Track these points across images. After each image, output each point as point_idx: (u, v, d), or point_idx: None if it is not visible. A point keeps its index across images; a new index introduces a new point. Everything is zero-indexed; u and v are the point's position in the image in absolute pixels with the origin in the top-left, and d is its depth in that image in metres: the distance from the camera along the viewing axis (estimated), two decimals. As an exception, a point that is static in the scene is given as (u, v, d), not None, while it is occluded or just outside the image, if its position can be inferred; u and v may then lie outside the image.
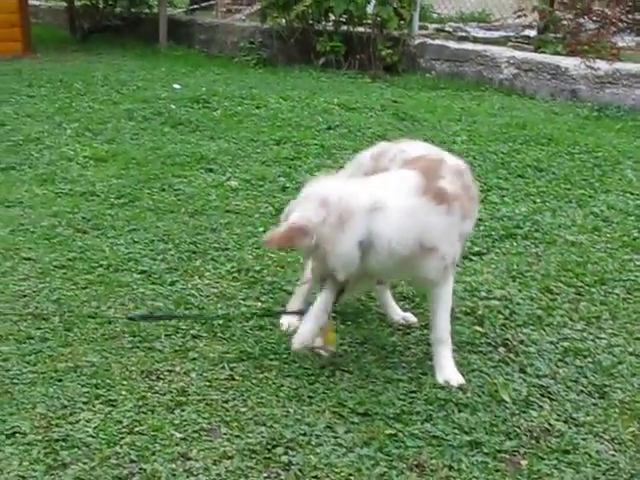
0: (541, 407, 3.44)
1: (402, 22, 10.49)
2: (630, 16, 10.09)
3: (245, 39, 11.75)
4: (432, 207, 3.43)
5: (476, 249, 4.97)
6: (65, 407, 3.38)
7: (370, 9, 10.47)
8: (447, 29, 11.49)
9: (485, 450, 3.17)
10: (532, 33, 10.91)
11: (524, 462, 3.12)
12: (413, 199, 3.42)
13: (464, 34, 10.92)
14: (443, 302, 3.62)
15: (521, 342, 3.95)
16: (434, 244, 3.45)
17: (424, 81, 9.79)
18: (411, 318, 4.14)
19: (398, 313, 4.16)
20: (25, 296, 4.36)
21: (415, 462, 3.10)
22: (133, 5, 13.08)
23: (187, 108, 8.11)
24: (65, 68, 10.57)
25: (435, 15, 13.58)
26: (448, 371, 3.62)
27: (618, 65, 8.93)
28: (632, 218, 5.54)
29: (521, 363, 3.77)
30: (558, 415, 3.39)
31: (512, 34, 11.25)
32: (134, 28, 13.20)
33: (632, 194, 5.98)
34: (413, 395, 3.50)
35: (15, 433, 3.22)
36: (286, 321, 4.00)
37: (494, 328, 4.07)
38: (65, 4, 14.13)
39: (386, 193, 3.43)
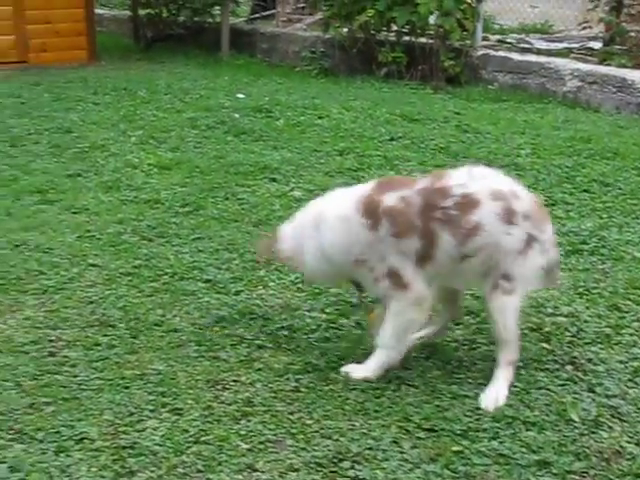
0: (611, 428, 3.38)
1: (465, 33, 10.43)
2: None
3: (307, 49, 11.78)
4: (354, 218, 3.57)
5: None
6: (132, 414, 3.40)
7: (433, 20, 10.43)
8: (509, 40, 11.40)
9: (554, 470, 3.12)
10: (597, 45, 10.77)
11: (594, 484, 3.07)
12: (347, 211, 3.60)
13: (527, 46, 10.81)
14: (392, 315, 3.64)
15: (589, 360, 3.89)
16: (362, 257, 3.57)
17: (486, 93, 9.72)
18: None
19: None
20: (92, 302, 4.41)
21: (482, 480, 3.07)
22: (196, 14, 13.17)
23: (250, 117, 8.14)
24: (129, 76, 10.69)
25: (497, 26, 13.49)
26: (364, 368, 3.68)
27: (686, 78, 8.78)
28: (702, 235, 5.42)
29: (589, 382, 3.71)
30: (629, 437, 3.33)
31: (575, 46, 11.12)
32: (196, 37, 13.30)
33: (701, 211, 5.87)
34: (479, 412, 3.47)
35: (83, 439, 3.26)
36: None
37: (561, 345, 4.02)
38: (129, 13, 14.31)
39: (331, 206, 3.69)
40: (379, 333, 3.69)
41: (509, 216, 3.58)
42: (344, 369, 3.71)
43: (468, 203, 3.55)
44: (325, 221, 3.66)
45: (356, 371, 3.68)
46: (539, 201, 3.93)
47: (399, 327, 3.66)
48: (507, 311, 3.64)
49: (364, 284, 3.75)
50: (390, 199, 3.57)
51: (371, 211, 3.56)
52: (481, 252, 3.59)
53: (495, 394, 3.56)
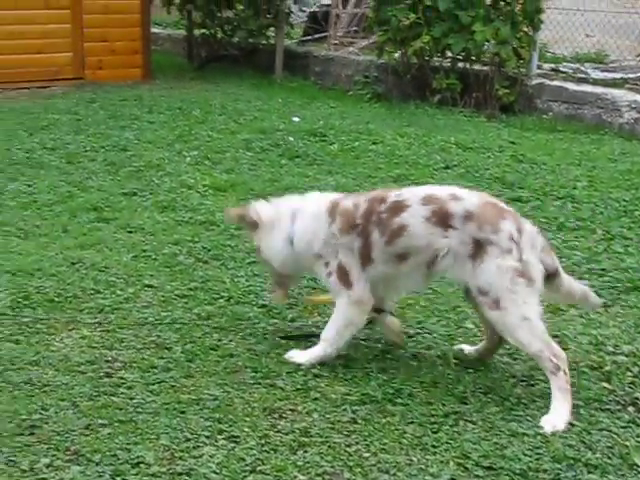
0: (677, 475, 3.30)
1: (520, 61, 10.37)
2: None
3: (360, 73, 11.78)
4: (323, 216, 4.03)
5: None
6: (188, 440, 3.39)
7: (488, 47, 10.39)
8: (564, 69, 11.32)
9: (617, 516, 3.05)
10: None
11: (659, 532, 2.99)
12: (319, 208, 4.07)
13: (583, 75, 10.72)
14: (336, 311, 4.04)
15: (652, 403, 3.81)
16: (321, 251, 4.02)
17: (541, 122, 9.64)
18: None
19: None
20: (147, 324, 4.42)
21: (543, 523, 3.01)
22: (251, 36, 13.24)
23: (304, 141, 8.15)
24: (183, 96, 10.76)
25: (550, 55, 13.42)
26: (301, 358, 4.00)
27: None
28: None
29: (653, 425, 3.64)
30: (696, 484, 3.25)
31: (631, 76, 11.00)
32: (250, 58, 13.36)
33: None
34: (539, 451, 3.40)
35: (139, 463, 3.25)
36: None
37: (622, 386, 3.94)
38: (184, 33, 14.43)
39: (309, 203, 4.15)
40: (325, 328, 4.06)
41: (442, 219, 3.78)
42: (288, 354, 4.05)
43: (396, 207, 3.88)
44: (302, 215, 4.11)
45: (296, 357, 4.02)
46: (494, 202, 3.95)
47: (340, 324, 4.01)
48: (507, 327, 3.73)
49: (320, 278, 4.17)
50: (347, 202, 4.05)
51: (332, 211, 4.03)
52: (413, 253, 3.85)
53: (555, 417, 3.59)
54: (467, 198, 3.83)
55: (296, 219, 4.12)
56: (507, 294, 3.67)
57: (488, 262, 3.69)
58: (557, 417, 3.60)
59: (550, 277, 3.83)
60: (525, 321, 3.68)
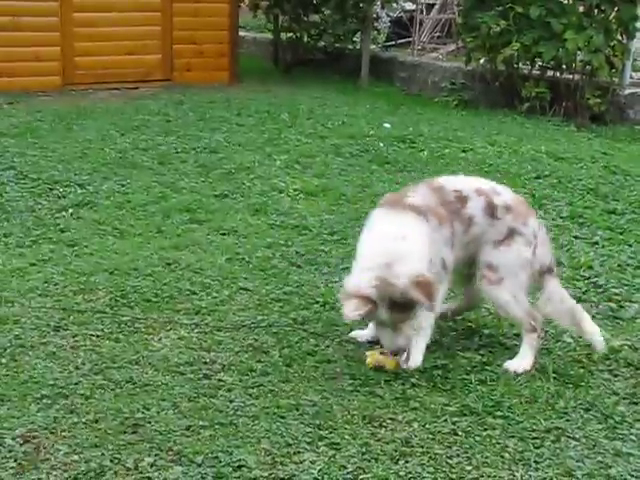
0: None
1: (613, 71, 10.20)
2: None
3: (447, 79, 11.72)
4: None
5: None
6: (289, 445, 3.40)
7: (579, 55, 10.24)
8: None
9: None
10: None
11: None
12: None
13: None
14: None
15: None
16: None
17: (633, 133, 9.47)
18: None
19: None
20: (244, 327, 4.44)
21: None
22: (337, 40, 13.28)
23: (394, 147, 8.13)
24: (270, 99, 10.81)
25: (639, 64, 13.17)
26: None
27: None
28: None
29: None
30: None
31: None
32: (335, 62, 13.40)
33: None
34: (646, 473, 3.33)
35: (241, 466, 3.26)
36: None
37: None
38: (270, 36, 14.52)
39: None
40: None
41: (491, 210, 4.15)
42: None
43: (461, 199, 4.16)
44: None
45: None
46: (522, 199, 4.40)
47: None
48: (500, 301, 4.18)
49: None
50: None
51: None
52: (472, 241, 4.19)
53: (519, 361, 4.08)
54: (503, 192, 4.26)
55: None
56: (512, 277, 4.14)
57: (512, 248, 4.14)
58: (520, 363, 4.06)
59: (545, 273, 4.25)
60: (515, 298, 4.14)
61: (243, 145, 8.22)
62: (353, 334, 4.37)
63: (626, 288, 5.07)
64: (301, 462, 3.29)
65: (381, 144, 8.16)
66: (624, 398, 3.88)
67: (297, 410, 3.64)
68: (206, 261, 5.32)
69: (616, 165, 7.77)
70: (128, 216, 6.22)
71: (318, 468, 3.25)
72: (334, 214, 6.23)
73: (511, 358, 4.12)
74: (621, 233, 6.02)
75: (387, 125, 9.01)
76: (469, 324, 4.53)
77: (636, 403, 3.84)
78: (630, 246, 5.77)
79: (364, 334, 4.35)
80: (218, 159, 7.71)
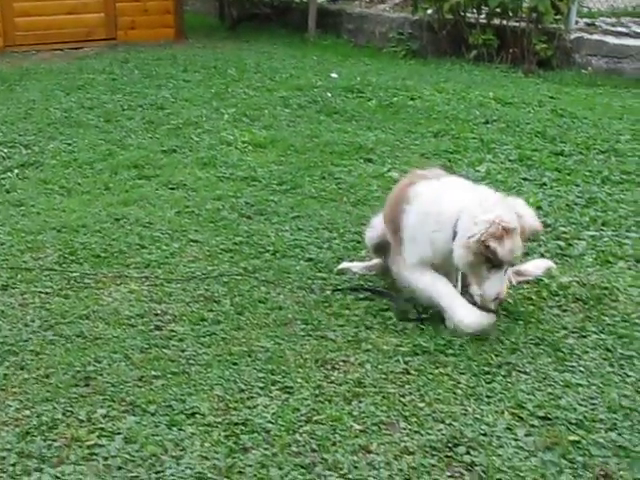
0: None
1: (558, 16, 10.20)
2: None
3: (394, 30, 11.65)
4: None
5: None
6: (242, 391, 3.40)
7: (525, 1, 10.21)
8: (599, 24, 11.13)
9: (678, 465, 3.02)
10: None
11: None
12: None
13: (623, 29, 10.53)
14: None
15: None
16: None
17: (580, 77, 9.50)
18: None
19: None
20: (195, 278, 4.42)
21: (602, 472, 2.99)
22: (284, -6, 13.17)
23: (342, 97, 8.09)
24: (217, 54, 10.70)
25: (585, 9, 13.20)
26: None
27: None
28: None
29: None
30: None
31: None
32: (282, 17, 13.28)
33: None
34: (594, 401, 3.38)
35: (195, 413, 3.26)
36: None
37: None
38: (216, -8, 14.35)
39: None
40: None
41: None
42: None
43: None
44: None
45: None
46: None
47: None
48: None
49: None
50: None
51: None
52: None
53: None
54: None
55: None
56: None
57: None
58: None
59: None
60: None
61: (190, 100, 8.14)
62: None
63: (574, 226, 5.11)
64: (254, 407, 3.29)
65: (329, 94, 8.12)
66: (573, 332, 3.92)
67: (249, 357, 3.64)
68: (155, 215, 5.28)
69: (563, 108, 7.80)
70: (75, 174, 6.14)
71: (272, 412, 3.26)
72: (283, 164, 6.20)
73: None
74: (569, 174, 6.05)
75: (334, 75, 8.96)
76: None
77: (584, 336, 3.88)
78: (577, 186, 5.81)
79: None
80: (165, 115, 7.63)
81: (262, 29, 12.89)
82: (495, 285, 3.82)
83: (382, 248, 4.36)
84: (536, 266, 4.46)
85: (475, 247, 3.72)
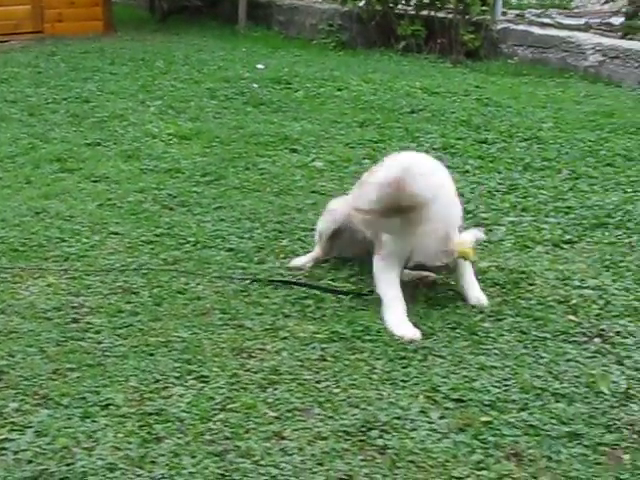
0: (642, 401, 3.34)
1: (485, 7, 10.31)
2: None
3: (324, 21, 11.66)
4: None
5: (567, 237, 4.85)
6: (157, 381, 3.38)
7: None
8: (527, 15, 11.28)
9: (585, 442, 3.07)
10: (618, 21, 10.63)
11: (626, 456, 3.01)
12: None
13: (548, 20, 10.68)
14: None
15: (617, 333, 3.83)
16: None
17: (506, 67, 9.61)
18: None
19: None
20: (114, 270, 4.38)
21: (512, 451, 3.03)
22: (213, -14, 13.09)
23: (269, 89, 8.09)
24: (146, 47, 10.63)
25: (514, 1, 13.36)
26: None
27: None
28: None
29: (618, 355, 3.66)
30: (661, 410, 3.29)
31: (596, 21, 10.98)
32: (212, 9, 13.21)
33: None
34: (507, 383, 3.42)
35: (109, 405, 3.23)
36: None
37: (588, 318, 3.96)
38: (145, -16, 14.22)
39: None
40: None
41: None
42: None
43: None
44: None
45: None
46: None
47: None
48: None
49: None
50: None
51: None
52: None
53: None
54: None
55: None
56: None
57: None
58: None
59: None
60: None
61: (116, 93, 8.07)
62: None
63: (494, 212, 5.18)
64: (169, 397, 3.28)
65: (255, 85, 8.11)
66: (490, 316, 3.97)
67: (166, 347, 3.62)
68: (76, 208, 5.22)
69: (489, 97, 7.88)
70: (-5, 169, 6.05)
71: (186, 401, 3.25)
72: (207, 156, 6.18)
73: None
74: (491, 161, 6.12)
75: (260, 66, 8.96)
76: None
77: (500, 319, 3.93)
78: (499, 173, 5.88)
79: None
80: (90, 108, 7.56)
81: (192, 22, 12.81)
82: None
83: (339, 234, 4.34)
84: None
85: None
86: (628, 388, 3.40)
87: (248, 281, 4.22)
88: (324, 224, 4.41)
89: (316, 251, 4.45)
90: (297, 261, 4.42)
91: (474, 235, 4.32)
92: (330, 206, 4.42)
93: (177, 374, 3.43)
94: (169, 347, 3.62)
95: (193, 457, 2.93)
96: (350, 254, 4.42)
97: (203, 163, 6.01)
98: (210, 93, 7.96)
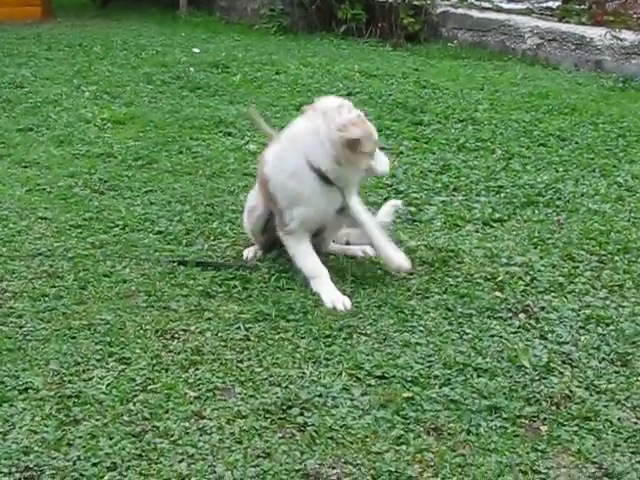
0: (562, 374, 3.37)
1: (425, -9, 10.35)
2: (658, -14, 9.87)
3: (266, 6, 11.59)
4: None
5: (497, 216, 4.89)
6: (78, 364, 3.34)
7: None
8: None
9: (504, 415, 3.11)
10: (555, 4, 10.74)
11: (544, 428, 3.05)
12: None
13: (486, 4, 10.74)
14: None
15: (542, 309, 3.87)
16: None
17: (446, 50, 9.66)
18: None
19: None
20: (40, 254, 4.32)
21: (432, 426, 3.04)
22: (154, -29, 12.94)
23: (206, 73, 8.04)
24: (84, 33, 10.50)
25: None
26: None
27: (644, 36, 8.77)
28: (657, 188, 5.43)
29: (542, 330, 3.70)
30: (579, 382, 3.32)
31: (537, 5, 11.07)
32: (154, -5, 13.09)
33: (657, 164, 5.87)
34: (431, 359, 3.44)
35: (28, 389, 3.19)
36: None
37: (514, 294, 4.00)
38: (85, -31, 14.02)
39: None
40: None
41: None
42: None
43: None
44: None
45: None
46: None
47: None
48: None
49: None
50: None
51: None
52: None
53: None
54: None
55: None
56: None
57: None
58: None
59: None
60: None
61: (51, 79, 7.95)
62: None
63: (426, 192, 5.20)
64: (90, 379, 3.24)
65: (192, 69, 8.05)
66: (417, 294, 3.98)
67: (89, 330, 3.58)
68: (5, 194, 5.14)
69: (426, 80, 7.91)
70: None
71: (107, 383, 3.21)
72: (141, 140, 6.12)
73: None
74: (426, 142, 6.15)
75: (196, 50, 8.91)
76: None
77: (427, 297, 3.95)
78: (433, 154, 5.91)
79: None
80: (23, 93, 7.44)
81: (134, 7, 12.67)
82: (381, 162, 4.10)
83: (270, 228, 4.24)
84: (386, 213, 4.43)
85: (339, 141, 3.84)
86: (549, 361, 3.44)
87: (175, 264, 4.18)
88: (251, 225, 4.32)
89: (256, 247, 4.37)
90: (247, 252, 4.34)
91: (393, 204, 4.41)
92: (249, 204, 4.33)
93: (98, 356, 3.39)
94: (92, 330, 3.58)
95: (110, 438, 2.91)
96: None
97: (136, 147, 5.95)
98: (147, 78, 7.88)
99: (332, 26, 10.51)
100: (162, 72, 8.05)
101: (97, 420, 3.00)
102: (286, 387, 3.21)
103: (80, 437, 2.92)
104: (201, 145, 6.01)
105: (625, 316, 3.84)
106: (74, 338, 3.52)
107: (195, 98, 7.26)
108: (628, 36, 8.77)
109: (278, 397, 3.15)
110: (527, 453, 2.92)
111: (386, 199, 5.04)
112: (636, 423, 3.10)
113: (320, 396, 3.17)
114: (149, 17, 11.93)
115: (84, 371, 3.30)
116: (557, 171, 5.68)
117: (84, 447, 2.87)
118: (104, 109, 6.89)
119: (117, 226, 4.66)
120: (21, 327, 3.62)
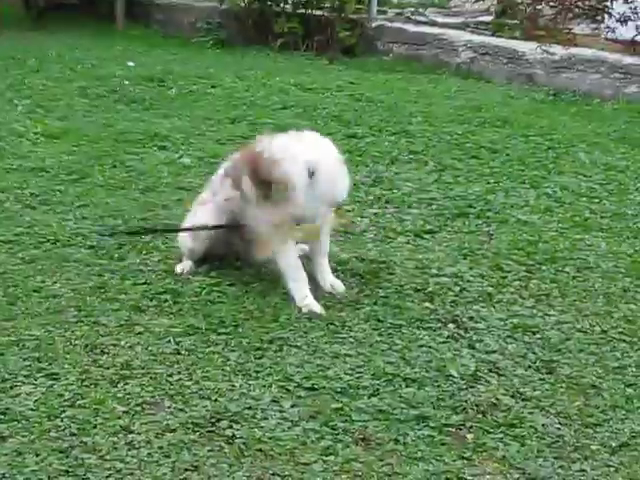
0: (489, 382, 3.44)
1: (360, 5, 10.44)
2: (586, 2, 10.08)
3: (203, 20, 11.59)
4: None
5: (428, 227, 4.96)
6: (6, 380, 3.32)
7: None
8: (406, 14, 11.47)
9: (431, 424, 3.15)
10: (489, 18, 10.91)
11: (470, 436, 3.11)
12: None
13: (422, 19, 10.87)
14: None
15: (470, 318, 3.94)
16: None
17: (381, 64, 9.76)
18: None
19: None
20: (-30, 271, 4.27)
21: (361, 436, 3.08)
22: (90, -17, 12.85)
23: (141, 86, 8.01)
24: (18, 46, 10.36)
25: (395, 0, 13.56)
26: None
27: (574, 50, 8.94)
28: (584, 199, 5.55)
29: (470, 339, 3.77)
30: (505, 390, 3.39)
31: (472, 20, 11.24)
32: (90, 7, 12.97)
33: (585, 176, 5.99)
34: (360, 370, 3.49)
35: (-48, 407, 3.16)
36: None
37: (444, 305, 4.06)
38: (20, -19, 13.87)
39: None
40: None
41: None
42: None
43: None
44: None
45: None
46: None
47: None
48: None
49: None
50: None
51: None
52: None
53: None
54: None
55: None
56: None
57: None
58: None
59: None
60: None
61: (-19, 93, 7.86)
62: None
63: (358, 205, 5.26)
64: (17, 395, 3.22)
65: (126, 82, 8.02)
66: (348, 305, 4.02)
67: (17, 346, 3.55)
68: None
69: (361, 93, 7.99)
70: None
71: (34, 399, 3.20)
72: (74, 154, 6.07)
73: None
74: (360, 155, 6.21)
75: (131, 64, 8.87)
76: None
77: (358, 309, 3.99)
78: (367, 166, 5.97)
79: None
80: (-48, 109, 7.34)
81: (70, 19, 12.52)
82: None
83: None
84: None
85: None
86: (476, 370, 3.50)
87: (106, 277, 4.17)
88: (196, 244, 4.31)
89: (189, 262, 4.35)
90: (180, 267, 4.33)
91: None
92: (195, 221, 4.34)
93: (27, 372, 3.37)
94: (20, 346, 3.55)
95: (37, 455, 2.89)
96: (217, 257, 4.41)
97: (69, 162, 5.90)
98: (81, 91, 7.82)
99: (269, 40, 10.53)
100: (97, 86, 7.99)
101: (24, 437, 2.98)
102: (215, 400, 3.23)
103: (6, 454, 2.89)
104: (135, 159, 5.98)
105: (551, 324, 3.92)
106: (2, 355, 3.49)
107: (130, 112, 7.23)
108: (558, 50, 8.95)
109: (207, 410, 3.16)
110: (453, 461, 2.98)
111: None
112: (559, 429, 3.17)
113: (249, 408, 3.19)
114: (85, 29, 11.80)
115: (11, 387, 3.27)
116: (488, 183, 5.78)
117: (9, 464, 2.85)
118: (37, 123, 6.82)
119: (48, 241, 4.61)
120: (-54, 345, 3.58)
